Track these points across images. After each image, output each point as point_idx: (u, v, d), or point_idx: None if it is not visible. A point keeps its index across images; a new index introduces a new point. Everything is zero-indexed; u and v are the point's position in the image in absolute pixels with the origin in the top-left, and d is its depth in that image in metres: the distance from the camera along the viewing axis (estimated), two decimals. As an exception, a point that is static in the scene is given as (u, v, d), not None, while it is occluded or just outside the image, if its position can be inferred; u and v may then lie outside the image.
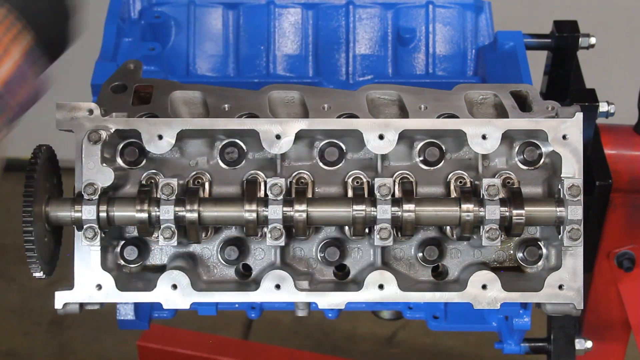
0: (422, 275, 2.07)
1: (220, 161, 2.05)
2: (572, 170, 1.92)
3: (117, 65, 2.29)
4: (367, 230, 1.96)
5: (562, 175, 1.93)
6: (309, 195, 2.00)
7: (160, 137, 1.93)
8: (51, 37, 1.64)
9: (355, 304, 2.20)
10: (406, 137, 2.01)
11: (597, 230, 2.56)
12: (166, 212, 1.89)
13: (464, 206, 1.91)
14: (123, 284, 1.96)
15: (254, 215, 1.91)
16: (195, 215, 1.90)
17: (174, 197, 1.90)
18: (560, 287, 1.93)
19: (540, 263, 2.04)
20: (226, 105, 2.07)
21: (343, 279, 2.07)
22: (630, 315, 2.55)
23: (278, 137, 1.94)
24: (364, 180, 2.02)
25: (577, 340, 2.61)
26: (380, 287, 1.94)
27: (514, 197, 1.92)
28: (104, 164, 1.92)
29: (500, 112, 2.07)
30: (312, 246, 2.06)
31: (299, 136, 1.95)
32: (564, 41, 2.58)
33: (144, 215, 1.90)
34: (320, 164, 2.05)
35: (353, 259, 2.07)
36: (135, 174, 2.03)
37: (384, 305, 2.71)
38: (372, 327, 4.82)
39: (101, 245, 1.92)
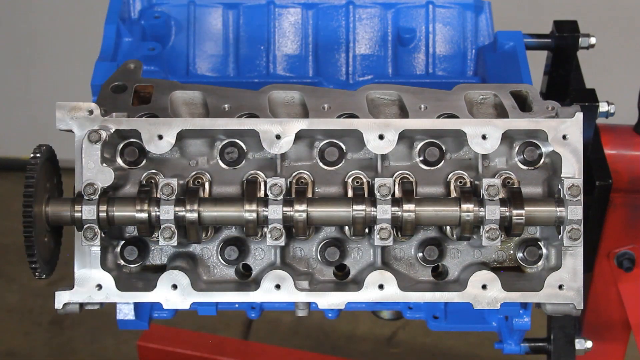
0: (422, 275, 2.07)
1: (220, 161, 2.05)
2: (572, 170, 1.92)
3: (117, 65, 2.30)
4: (367, 230, 1.96)
5: (562, 175, 1.93)
6: (309, 195, 2.00)
7: (160, 137, 1.93)
8: None
9: (355, 304, 2.21)
10: (406, 137, 2.01)
11: (597, 230, 2.56)
12: (166, 212, 1.89)
13: (464, 206, 1.91)
14: (123, 284, 1.96)
15: (254, 215, 1.91)
16: (195, 215, 1.90)
17: (174, 197, 1.90)
18: (560, 287, 1.93)
19: (540, 263, 2.04)
20: (226, 105, 2.07)
21: (343, 279, 2.07)
22: (630, 315, 2.56)
23: (278, 137, 1.94)
24: (364, 180, 2.02)
25: (577, 340, 2.61)
26: (380, 287, 1.94)
27: (514, 197, 1.92)
28: (104, 164, 1.92)
29: (500, 112, 2.07)
30: (312, 246, 2.06)
31: (299, 136, 1.95)
32: (564, 41, 2.58)
33: (144, 215, 1.90)
34: (320, 164, 2.05)
35: (353, 259, 2.07)
36: (135, 174, 2.03)
37: (384, 305, 2.71)
38: (372, 327, 4.82)
39: (101, 245, 1.92)
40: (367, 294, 1.94)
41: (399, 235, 2.00)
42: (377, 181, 1.92)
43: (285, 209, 1.90)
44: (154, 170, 2.03)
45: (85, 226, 1.90)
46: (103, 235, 1.92)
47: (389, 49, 2.69)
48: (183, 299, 1.93)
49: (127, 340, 4.53)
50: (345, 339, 4.80)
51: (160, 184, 1.91)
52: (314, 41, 2.69)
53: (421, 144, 2.04)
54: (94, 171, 1.91)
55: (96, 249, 1.93)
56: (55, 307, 1.95)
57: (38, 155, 1.93)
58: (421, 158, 2.04)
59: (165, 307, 1.94)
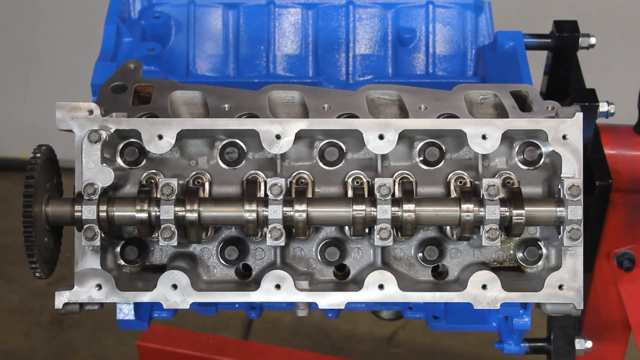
0: (422, 275, 2.07)
1: (220, 161, 2.05)
2: (572, 170, 1.92)
3: (117, 65, 2.30)
4: (367, 230, 1.96)
5: (562, 175, 1.92)
6: (309, 195, 2.00)
7: (160, 137, 1.93)
8: None
9: (355, 304, 2.21)
10: (406, 137, 2.01)
11: (597, 230, 2.56)
12: (166, 212, 1.89)
13: (464, 206, 1.91)
14: (123, 284, 1.96)
15: (254, 215, 1.91)
16: (195, 215, 1.90)
17: (174, 197, 1.89)
18: (560, 287, 1.93)
19: (540, 263, 2.04)
20: (226, 105, 2.07)
21: (343, 279, 2.07)
22: (630, 315, 2.55)
23: (278, 137, 1.94)
24: (364, 180, 2.02)
25: (577, 340, 2.61)
26: (380, 287, 1.94)
27: (514, 197, 1.92)
28: (104, 164, 1.92)
29: (500, 112, 2.07)
30: (312, 246, 2.06)
31: (299, 136, 1.95)
32: (564, 41, 2.58)
33: (144, 215, 1.90)
34: (320, 164, 2.05)
35: (353, 259, 2.07)
36: (135, 174, 2.03)
37: (384, 305, 2.71)
38: (372, 327, 4.82)
39: (101, 245, 1.92)
40: (367, 294, 1.94)
41: (399, 235, 2.00)
42: (377, 181, 1.92)
43: (285, 209, 1.90)
44: (154, 170, 2.03)
45: (85, 226, 1.90)
46: (103, 235, 1.92)
47: (389, 49, 2.69)
48: (183, 299, 1.93)
49: (127, 340, 4.53)
50: (345, 339, 4.80)
51: (160, 184, 1.91)
52: (314, 41, 2.69)
53: (421, 144, 2.04)
54: (94, 171, 1.91)
55: (96, 249, 1.93)
56: (55, 307, 1.95)
57: (38, 155, 1.93)
58: (421, 158, 2.04)
59: (165, 307, 1.93)
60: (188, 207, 1.90)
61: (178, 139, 1.94)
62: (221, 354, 3.99)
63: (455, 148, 2.05)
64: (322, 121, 1.98)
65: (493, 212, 1.89)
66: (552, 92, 2.65)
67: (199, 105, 2.10)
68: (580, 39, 2.57)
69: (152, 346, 4.00)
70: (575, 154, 1.93)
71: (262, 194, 1.98)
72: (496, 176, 2.03)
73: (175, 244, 1.90)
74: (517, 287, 1.95)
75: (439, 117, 2.04)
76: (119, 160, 2.02)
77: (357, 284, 1.99)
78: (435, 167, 2.04)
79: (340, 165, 2.05)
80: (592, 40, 2.57)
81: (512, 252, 2.07)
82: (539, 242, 2.05)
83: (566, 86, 2.62)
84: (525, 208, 1.90)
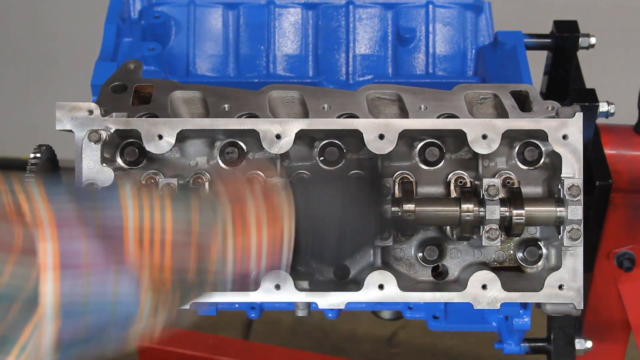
0: (422, 275, 2.07)
1: (220, 161, 2.05)
2: (572, 170, 1.92)
3: (117, 65, 2.29)
4: (367, 230, 1.96)
5: (562, 175, 1.92)
6: (309, 195, 2.00)
7: (160, 137, 1.93)
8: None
9: (355, 304, 2.20)
10: (406, 137, 2.01)
11: (597, 230, 2.56)
12: (166, 212, 1.89)
13: (464, 206, 1.91)
14: (123, 284, 1.96)
15: (254, 215, 1.90)
16: (195, 215, 1.90)
17: (174, 197, 1.89)
18: (560, 287, 1.93)
19: (540, 263, 2.04)
20: (226, 105, 2.07)
21: (343, 279, 2.07)
22: (630, 315, 2.55)
23: (278, 137, 1.94)
24: (364, 180, 2.02)
25: (577, 340, 2.60)
26: (380, 287, 1.94)
27: (514, 197, 1.92)
28: (104, 164, 1.92)
29: (500, 112, 2.07)
30: (312, 246, 2.06)
31: (299, 136, 1.95)
32: (564, 41, 2.58)
33: (144, 215, 1.90)
34: (320, 164, 2.05)
35: (353, 259, 2.07)
36: (135, 174, 2.03)
37: (384, 305, 2.71)
38: (372, 327, 4.81)
39: (101, 245, 1.92)
40: (367, 294, 1.94)
41: (399, 235, 2.00)
42: (377, 181, 1.92)
43: (285, 209, 1.90)
44: (154, 170, 2.03)
45: (85, 226, 1.90)
46: (103, 235, 1.92)
47: (389, 49, 2.69)
48: (183, 299, 1.93)
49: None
50: (345, 339, 4.79)
51: (160, 184, 1.91)
52: (314, 41, 2.69)
53: (421, 144, 2.04)
54: (94, 171, 1.91)
55: (96, 249, 1.93)
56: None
57: (38, 155, 1.93)
58: (421, 158, 2.04)
59: (165, 307, 1.93)
60: (188, 207, 1.90)
61: (178, 139, 1.94)
62: (221, 354, 3.98)
63: (455, 148, 2.05)
64: (322, 121, 1.98)
65: (493, 212, 1.89)
66: (552, 92, 2.65)
67: (199, 105, 2.10)
68: (580, 39, 2.57)
69: (152, 346, 3.99)
70: (575, 154, 1.93)
71: (262, 194, 1.97)
72: (496, 176, 2.03)
73: (175, 244, 1.90)
74: (517, 287, 1.95)
75: (439, 117, 2.04)
76: (119, 160, 2.02)
77: (357, 284, 1.99)
78: (435, 167, 2.04)
79: (340, 165, 2.05)
80: (592, 40, 2.57)
81: (512, 252, 2.07)
82: (539, 242, 2.05)
83: (566, 86, 2.62)
84: (525, 208, 1.90)
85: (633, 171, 2.54)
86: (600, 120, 2.48)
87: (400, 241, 2.05)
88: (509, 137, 2.00)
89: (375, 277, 1.94)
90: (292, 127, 1.94)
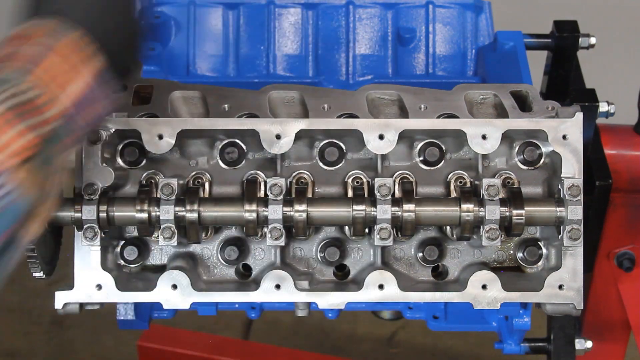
0: (422, 275, 2.07)
1: (220, 161, 2.05)
2: (572, 170, 1.92)
3: (117, 65, 2.29)
4: (367, 230, 1.96)
5: (562, 175, 1.93)
6: (309, 195, 2.00)
7: (160, 137, 1.93)
8: (120, 60, 1.74)
9: (355, 304, 2.20)
10: (406, 137, 2.01)
11: (597, 230, 2.56)
12: (166, 212, 1.89)
13: (464, 206, 1.91)
14: (123, 284, 1.96)
15: (254, 215, 1.91)
16: (195, 215, 1.90)
17: (174, 197, 1.90)
18: (560, 287, 1.93)
19: (540, 263, 2.04)
20: (226, 105, 2.07)
21: (343, 279, 2.07)
22: (630, 315, 2.55)
23: (278, 137, 1.94)
24: (364, 180, 2.02)
25: (577, 340, 2.60)
26: (380, 287, 1.94)
27: (514, 197, 1.92)
28: (104, 164, 1.92)
29: (500, 112, 2.07)
30: (312, 246, 2.06)
31: (299, 136, 1.95)
32: (564, 41, 2.58)
33: (144, 215, 1.90)
34: (320, 164, 2.05)
35: (353, 259, 2.07)
36: (135, 174, 2.03)
37: (384, 305, 2.71)
38: (372, 327, 4.82)
39: (101, 245, 1.92)
40: (367, 294, 1.94)
41: (399, 235, 2.00)
42: (377, 181, 1.92)
43: (285, 209, 1.90)
44: (154, 170, 2.03)
45: (85, 226, 1.90)
46: (103, 235, 1.92)
47: (389, 49, 2.69)
48: (183, 299, 1.93)
49: (127, 340, 4.52)
50: (345, 339, 4.80)
51: (160, 184, 1.91)
52: (314, 41, 2.69)
53: (421, 144, 2.04)
54: (94, 171, 1.91)
55: (96, 249, 1.93)
56: (55, 307, 1.95)
57: (38, 155, 1.93)
58: (421, 158, 2.04)
59: (165, 307, 1.94)
60: (188, 207, 1.90)
61: (178, 139, 1.94)
62: (221, 354, 3.99)
63: (455, 148, 2.05)
64: (322, 121, 1.98)
65: (493, 212, 1.89)
66: (552, 92, 2.65)
67: (199, 105, 2.10)
68: (580, 39, 2.57)
69: (152, 346, 4.00)
70: (575, 154, 1.93)
71: (262, 194, 1.98)
72: (496, 176, 2.03)
73: (176, 244, 1.90)
74: (517, 287, 1.95)
75: (439, 117, 2.04)
76: (119, 160, 2.02)
77: (357, 284, 1.99)
78: (435, 167, 2.04)
79: (340, 165, 2.05)
80: (592, 40, 2.57)
81: (512, 252, 2.08)
82: (539, 242, 2.05)
83: (566, 86, 2.62)
84: (525, 208, 1.90)
85: (633, 171, 2.54)
86: (600, 120, 2.48)
87: (401, 241, 2.05)
88: (509, 137, 2.00)
89: (375, 277, 1.94)
90: (292, 127, 1.94)
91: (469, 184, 2.01)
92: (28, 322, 4.92)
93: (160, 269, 2.02)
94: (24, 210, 1.49)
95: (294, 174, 2.04)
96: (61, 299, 1.94)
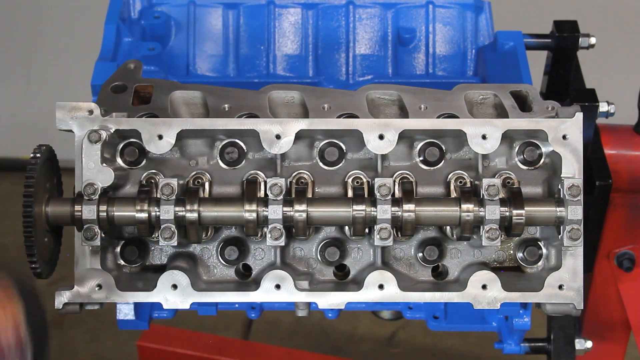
0: (422, 275, 2.07)
1: (220, 161, 2.05)
2: (572, 170, 1.92)
3: (117, 65, 2.30)
4: (367, 230, 1.96)
5: (562, 175, 1.93)
6: (309, 195, 2.00)
7: (160, 137, 1.93)
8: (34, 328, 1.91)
9: (355, 304, 2.21)
10: (406, 137, 2.01)
11: (597, 230, 2.56)
12: (166, 212, 1.89)
13: (464, 206, 1.91)
14: (123, 284, 1.96)
15: (254, 215, 1.91)
16: (195, 215, 1.90)
17: (174, 197, 1.89)
18: (560, 287, 1.93)
19: (540, 263, 2.04)
20: (226, 105, 2.07)
21: (343, 279, 2.07)
22: (630, 315, 2.55)
23: (278, 137, 1.94)
24: (364, 180, 2.02)
25: (577, 340, 2.61)
26: (380, 287, 1.94)
27: (514, 197, 1.92)
28: (104, 164, 1.92)
29: (500, 112, 2.07)
30: (312, 246, 2.06)
31: (299, 136, 1.95)
32: (564, 41, 2.58)
33: (144, 215, 1.90)
34: (320, 164, 2.05)
35: (353, 259, 2.07)
36: (135, 174, 2.03)
37: (384, 305, 2.71)
38: (372, 327, 4.82)
39: (101, 245, 1.92)
40: (367, 294, 1.94)
41: (399, 235, 2.00)
42: (377, 181, 1.92)
43: (285, 209, 1.90)
44: (154, 170, 2.03)
45: (85, 226, 1.90)
46: (103, 235, 1.92)
47: (389, 49, 2.69)
48: (183, 299, 1.93)
49: (127, 340, 4.52)
50: (345, 339, 4.80)
51: (160, 184, 1.91)
52: (314, 41, 2.69)
53: (421, 144, 2.04)
54: (94, 171, 1.91)
55: (96, 249, 1.93)
56: (55, 307, 1.95)
57: (38, 155, 1.93)
58: (421, 158, 2.04)
59: (165, 307, 1.94)
60: (188, 207, 1.90)
61: (178, 139, 1.94)
62: (221, 354, 3.99)
63: (455, 148, 2.05)
64: (322, 121, 1.98)
65: (493, 212, 1.89)
66: (552, 92, 2.65)
67: (199, 105, 2.10)
68: (580, 39, 2.57)
69: (152, 346, 4.00)
70: (575, 154, 1.93)
71: (262, 194, 1.98)
72: (496, 176, 2.03)
73: (175, 244, 1.90)
74: (517, 287, 1.95)
75: (439, 117, 2.04)
76: (119, 160, 2.02)
77: (357, 284, 1.99)
78: (435, 167, 2.04)
79: (340, 165, 2.05)
80: (592, 40, 2.57)
81: (512, 252, 2.07)
82: (539, 242, 2.05)
83: (566, 86, 2.62)
84: (525, 208, 1.90)
85: (633, 171, 2.54)
86: (600, 120, 2.48)
87: (401, 241, 2.05)
88: (509, 137, 2.00)
89: (375, 277, 1.94)
90: (292, 127, 1.94)
91: (469, 184, 2.01)
92: (28, 322, 4.91)
93: (160, 269, 2.01)
94: None
95: (294, 174, 2.04)
96: (61, 299, 1.94)
